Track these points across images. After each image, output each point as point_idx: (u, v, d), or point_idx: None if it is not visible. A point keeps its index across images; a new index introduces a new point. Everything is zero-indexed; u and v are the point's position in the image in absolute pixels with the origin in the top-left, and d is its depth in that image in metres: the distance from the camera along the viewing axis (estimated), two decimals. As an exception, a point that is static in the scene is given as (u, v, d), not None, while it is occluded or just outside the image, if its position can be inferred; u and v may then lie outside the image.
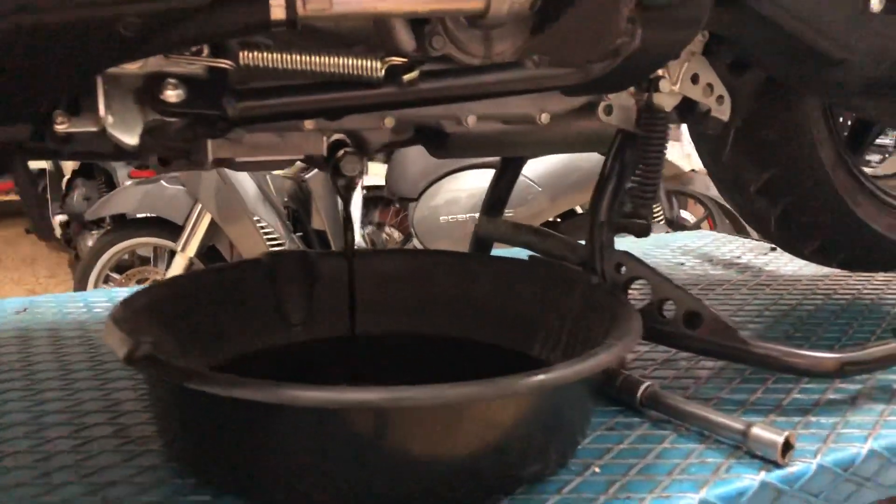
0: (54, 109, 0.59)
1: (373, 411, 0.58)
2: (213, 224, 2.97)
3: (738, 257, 1.48)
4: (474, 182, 2.91)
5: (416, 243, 2.94)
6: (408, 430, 0.60)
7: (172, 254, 3.05)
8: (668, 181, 3.13)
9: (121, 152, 0.64)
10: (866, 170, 1.18)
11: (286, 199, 3.17)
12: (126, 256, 3.29)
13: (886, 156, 1.50)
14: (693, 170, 3.07)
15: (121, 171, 4.21)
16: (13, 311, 1.13)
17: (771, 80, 0.99)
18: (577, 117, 0.87)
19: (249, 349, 0.88)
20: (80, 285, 3.12)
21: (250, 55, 0.62)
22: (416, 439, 0.60)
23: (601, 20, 0.63)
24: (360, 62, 0.63)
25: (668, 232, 2.80)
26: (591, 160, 2.35)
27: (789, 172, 1.07)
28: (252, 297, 0.89)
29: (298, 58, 0.62)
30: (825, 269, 1.33)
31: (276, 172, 3.10)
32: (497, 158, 1.13)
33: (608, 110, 0.86)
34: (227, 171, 2.84)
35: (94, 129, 0.60)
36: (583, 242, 0.90)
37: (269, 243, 2.96)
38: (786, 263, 1.41)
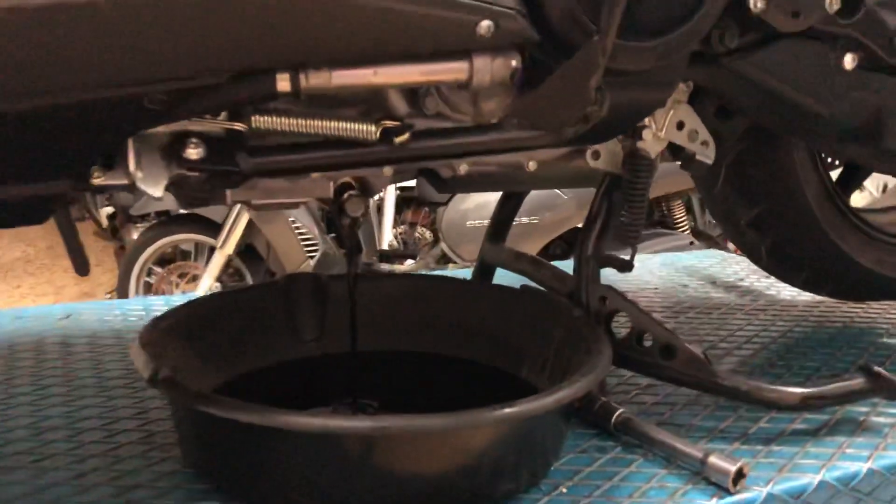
0: (91, 166, 0.68)
1: (357, 437, 0.67)
2: (250, 223, 3.09)
3: (742, 280, 1.54)
4: (503, 188, 2.98)
5: (443, 246, 3.02)
6: (390, 453, 0.69)
7: (212, 250, 3.19)
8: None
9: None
10: (861, 204, 1.24)
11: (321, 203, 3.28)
12: (169, 250, 3.43)
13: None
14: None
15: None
16: (57, 317, 1.24)
17: (757, 123, 1.05)
18: (568, 160, 0.94)
19: (265, 364, 0.97)
20: (124, 277, 3.28)
21: (261, 119, 0.71)
22: (396, 461, 0.69)
23: (572, 89, 0.70)
24: (356, 126, 0.71)
25: (691, 244, 2.85)
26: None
27: (776, 209, 1.13)
28: (268, 315, 0.99)
29: (302, 122, 0.71)
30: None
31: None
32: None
33: (596, 155, 0.93)
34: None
35: (125, 182, 0.70)
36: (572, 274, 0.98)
37: (303, 244, 3.07)
38: (786, 288, 1.46)
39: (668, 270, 1.60)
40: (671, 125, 0.95)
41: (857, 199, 1.35)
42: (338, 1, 0.62)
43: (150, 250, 3.25)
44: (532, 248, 3.06)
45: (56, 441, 0.85)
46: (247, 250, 3.20)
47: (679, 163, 1.01)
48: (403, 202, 3.59)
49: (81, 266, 0.72)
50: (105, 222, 4.64)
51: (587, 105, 0.71)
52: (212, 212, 3.16)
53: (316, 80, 0.67)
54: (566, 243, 3.20)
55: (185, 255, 3.51)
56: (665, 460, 0.83)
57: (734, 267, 1.63)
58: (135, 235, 3.53)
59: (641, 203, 0.94)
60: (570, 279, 0.99)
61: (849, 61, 0.90)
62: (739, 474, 0.77)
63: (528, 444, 0.75)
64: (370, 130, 0.71)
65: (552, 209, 3.04)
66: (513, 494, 0.75)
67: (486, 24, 0.67)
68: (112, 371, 1.04)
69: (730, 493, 0.77)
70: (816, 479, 0.81)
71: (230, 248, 3.11)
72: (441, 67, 0.70)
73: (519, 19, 0.67)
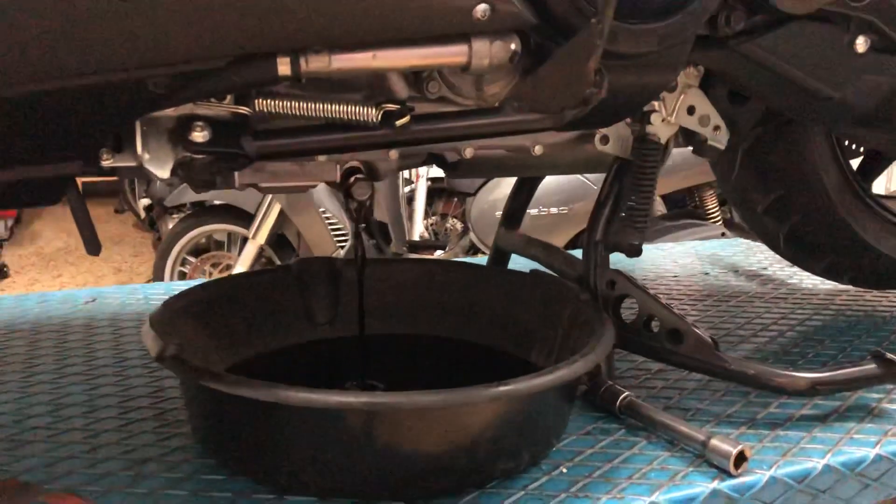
0: (100, 148, 0.70)
1: (358, 412, 0.68)
2: (282, 214, 3.14)
3: (765, 269, 1.53)
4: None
5: (472, 237, 3.03)
6: (390, 428, 0.70)
7: (245, 240, 3.24)
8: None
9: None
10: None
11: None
12: (203, 240, 3.50)
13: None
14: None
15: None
16: (83, 300, 1.28)
17: (771, 108, 1.04)
18: (576, 144, 0.94)
19: (278, 346, 0.99)
20: (160, 265, 3.35)
21: (265, 102, 0.73)
22: (394, 437, 0.70)
23: (570, 72, 0.71)
24: (357, 108, 0.72)
25: (723, 234, 2.82)
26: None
27: (793, 195, 1.12)
28: (282, 298, 1.01)
29: (305, 105, 0.72)
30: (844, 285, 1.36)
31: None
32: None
33: (604, 140, 0.94)
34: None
35: (133, 164, 0.72)
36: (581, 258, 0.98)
37: (333, 233, 3.11)
38: (809, 277, 1.44)
39: (691, 259, 1.59)
40: (682, 109, 0.94)
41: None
42: (335, -15, 0.63)
43: (184, 240, 3.31)
44: (562, 237, 3.06)
45: (73, 417, 0.88)
46: (278, 240, 3.25)
47: (691, 148, 1.01)
48: (434, 193, 3.61)
49: (92, 245, 0.74)
50: (143, 214, 4.73)
51: (586, 88, 0.71)
52: (245, 202, 3.21)
53: (316, 63, 0.68)
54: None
55: (218, 245, 3.57)
56: (668, 443, 0.83)
57: (758, 256, 1.62)
58: (170, 226, 3.60)
59: (650, 188, 0.94)
60: (579, 264, 0.99)
61: (861, 44, 0.89)
62: (741, 457, 0.77)
63: (527, 424, 0.75)
64: (371, 113, 0.73)
65: (582, 199, 3.03)
66: (512, 473, 0.76)
67: (482, 8, 0.67)
68: (131, 352, 1.07)
69: (731, 476, 0.77)
70: (821, 463, 0.80)
71: (262, 237, 3.16)
72: (440, 51, 0.70)
73: (515, 2, 0.68)
